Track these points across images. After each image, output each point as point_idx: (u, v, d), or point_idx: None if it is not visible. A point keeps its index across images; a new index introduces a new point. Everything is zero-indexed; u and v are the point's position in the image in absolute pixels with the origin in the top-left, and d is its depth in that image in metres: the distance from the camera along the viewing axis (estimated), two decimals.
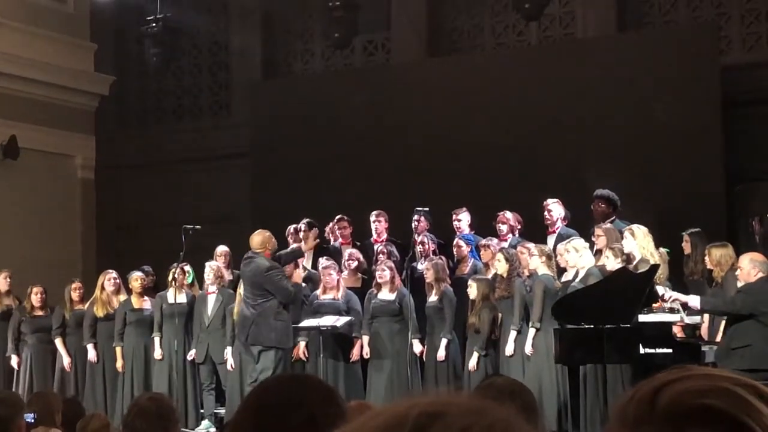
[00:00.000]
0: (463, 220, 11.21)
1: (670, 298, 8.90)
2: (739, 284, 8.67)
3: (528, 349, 9.68)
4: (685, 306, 9.02)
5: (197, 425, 11.29)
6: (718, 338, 8.97)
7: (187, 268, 11.68)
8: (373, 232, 11.65)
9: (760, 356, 8.21)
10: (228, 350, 11.04)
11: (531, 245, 10.06)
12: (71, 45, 16.04)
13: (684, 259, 9.99)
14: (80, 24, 16.29)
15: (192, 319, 11.45)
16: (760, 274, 8.55)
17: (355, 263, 11.21)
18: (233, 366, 10.95)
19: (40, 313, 12.14)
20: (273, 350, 10.16)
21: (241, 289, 10.78)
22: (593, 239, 10.04)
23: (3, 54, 14.88)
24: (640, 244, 9.50)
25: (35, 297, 12.12)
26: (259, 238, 10.47)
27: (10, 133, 14.95)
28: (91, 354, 11.72)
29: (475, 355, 9.99)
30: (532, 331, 9.68)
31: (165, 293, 11.54)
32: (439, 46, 14.86)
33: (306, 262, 11.50)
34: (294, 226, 11.78)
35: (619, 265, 9.26)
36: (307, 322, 10.58)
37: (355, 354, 10.65)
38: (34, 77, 15.26)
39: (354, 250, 11.36)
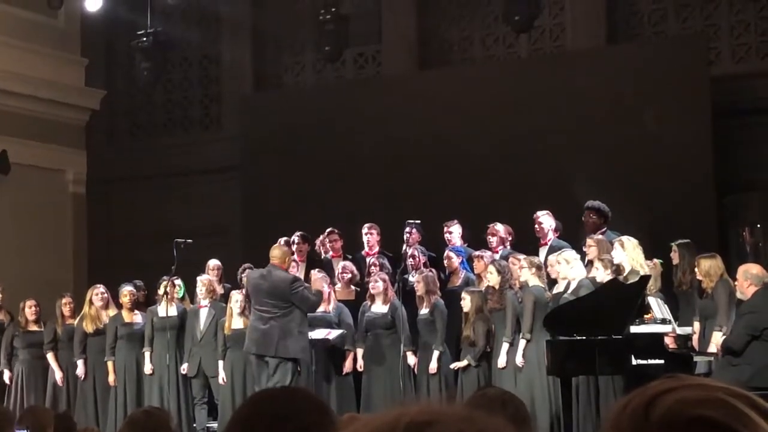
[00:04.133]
0: (454, 232, 11.21)
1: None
2: (740, 296, 8.69)
3: (519, 360, 9.67)
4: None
5: None
6: (710, 349, 8.98)
7: (178, 281, 11.65)
8: (365, 244, 11.65)
9: (760, 373, 8.19)
10: (220, 364, 11.02)
11: (521, 257, 10.07)
12: (62, 60, 16.04)
13: (673, 269, 10.01)
14: (71, 39, 16.29)
15: (183, 333, 11.42)
16: (752, 287, 8.56)
17: (349, 275, 11.20)
18: (225, 380, 10.93)
19: (33, 327, 12.09)
20: (291, 362, 10.11)
21: (232, 303, 10.75)
22: (585, 250, 10.05)
23: None
24: (630, 255, 9.51)
25: (29, 311, 12.08)
26: (279, 251, 10.44)
27: (1, 148, 14.93)
28: (80, 370, 11.67)
29: (465, 361, 10.00)
30: (522, 343, 9.68)
31: (155, 307, 11.51)
32: (429, 58, 14.89)
33: (299, 275, 11.49)
34: (285, 238, 11.79)
35: (609, 277, 9.27)
36: None
37: (347, 366, 10.64)
38: (25, 92, 15.24)
39: (348, 263, 11.35)
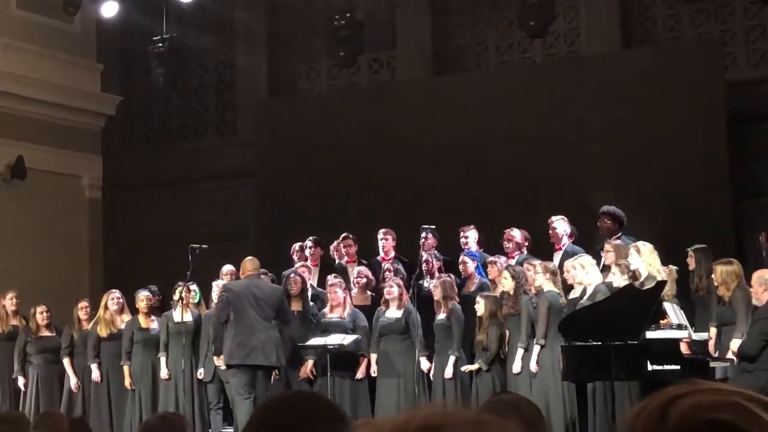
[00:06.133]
0: (470, 237, 11.20)
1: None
2: (754, 302, 8.65)
3: (533, 366, 9.66)
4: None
5: None
6: (727, 355, 8.95)
7: (194, 287, 11.67)
8: (380, 250, 11.64)
9: None
10: None
11: (536, 262, 10.05)
12: (78, 66, 16.10)
13: (690, 275, 9.97)
14: (87, 45, 16.35)
15: (199, 339, 11.43)
16: (767, 293, 8.52)
17: (365, 281, 11.20)
18: None
19: (45, 333, 12.11)
20: (270, 370, 10.28)
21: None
22: (602, 254, 10.04)
23: (10, 75, 14.94)
24: (646, 261, 9.47)
25: (40, 316, 12.11)
26: (253, 264, 10.55)
27: (18, 153, 14.99)
28: (95, 374, 11.70)
29: (476, 365, 10.00)
30: (536, 348, 9.66)
31: (171, 313, 11.52)
32: (444, 63, 14.88)
33: (312, 280, 11.52)
34: (299, 243, 11.81)
35: (626, 282, 9.24)
36: (314, 341, 10.59)
37: (361, 372, 10.64)
38: (41, 98, 15.31)
39: (363, 268, 11.35)
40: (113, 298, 11.81)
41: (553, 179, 12.56)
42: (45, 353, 12.05)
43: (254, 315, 10.19)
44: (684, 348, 9.00)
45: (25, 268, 14.47)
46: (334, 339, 10.43)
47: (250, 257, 10.75)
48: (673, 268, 9.85)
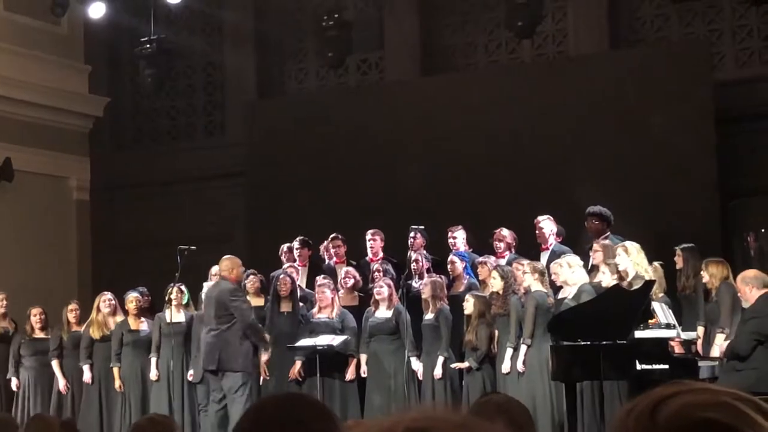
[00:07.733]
0: (458, 237, 11.20)
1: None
2: (745, 305, 8.68)
3: (519, 366, 9.66)
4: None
5: None
6: (713, 352, 8.97)
7: (182, 288, 11.65)
8: (369, 250, 11.64)
9: (765, 379, 8.18)
10: None
11: (525, 262, 10.07)
12: (65, 67, 16.05)
13: (677, 274, 10.00)
14: (74, 46, 16.30)
15: (190, 340, 11.42)
16: (755, 290, 8.55)
17: (352, 281, 11.20)
18: None
19: (40, 335, 12.11)
20: (239, 373, 10.29)
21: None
22: (591, 254, 10.05)
23: None
24: (634, 260, 9.49)
25: (35, 319, 12.10)
26: (227, 262, 10.66)
27: (5, 155, 14.93)
28: (86, 375, 11.68)
29: (466, 363, 10.00)
30: (523, 348, 9.67)
31: (164, 313, 11.51)
32: (432, 64, 14.89)
33: (300, 281, 11.52)
34: (287, 244, 11.81)
35: (615, 281, 9.26)
36: (303, 342, 10.58)
37: (350, 372, 10.64)
38: (29, 99, 15.25)
39: (350, 269, 11.36)
40: (105, 300, 11.79)
41: (541, 179, 12.57)
42: (38, 355, 12.05)
43: (207, 319, 10.53)
44: (677, 347, 9.01)
45: (13, 271, 14.42)
46: (324, 339, 10.43)
47: (228, 256, 10.85)
48: (657, 264, 9.87)
